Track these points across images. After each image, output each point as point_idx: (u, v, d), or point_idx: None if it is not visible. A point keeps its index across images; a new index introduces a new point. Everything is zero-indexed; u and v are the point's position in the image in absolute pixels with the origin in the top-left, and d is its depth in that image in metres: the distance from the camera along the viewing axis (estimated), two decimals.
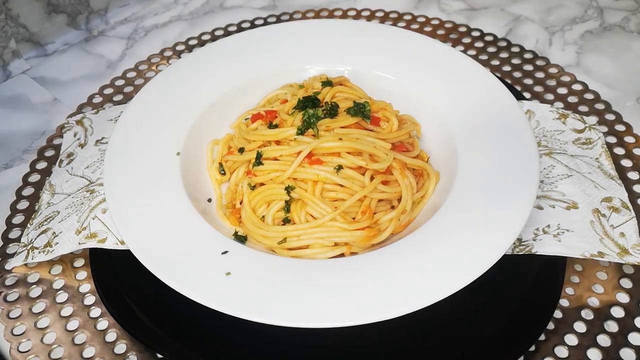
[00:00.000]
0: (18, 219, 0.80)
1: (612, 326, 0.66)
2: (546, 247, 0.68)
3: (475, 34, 1.06)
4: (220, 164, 0.78)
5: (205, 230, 0.66)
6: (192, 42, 1.08)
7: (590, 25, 1.08)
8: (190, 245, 0.64)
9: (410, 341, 0.63)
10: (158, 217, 0.67)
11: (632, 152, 0.84)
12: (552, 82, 0.96)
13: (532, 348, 0.64)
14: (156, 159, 0.73)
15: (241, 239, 0.71)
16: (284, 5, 1.16)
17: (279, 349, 0.63)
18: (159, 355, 0.65)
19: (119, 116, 0.82)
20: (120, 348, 0.66)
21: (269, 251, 0.69)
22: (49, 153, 0.89)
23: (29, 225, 0.76)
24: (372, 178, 0.70)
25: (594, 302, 0.68)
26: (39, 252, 0.72)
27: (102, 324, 0.68)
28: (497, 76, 0.81)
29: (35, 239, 0.74)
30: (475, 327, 0.64)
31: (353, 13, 1.12)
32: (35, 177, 0.85)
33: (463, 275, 0.59)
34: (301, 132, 0.71)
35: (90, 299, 0.71)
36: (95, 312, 0.69)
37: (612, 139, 0.86)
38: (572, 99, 0.92)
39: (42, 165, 0.87)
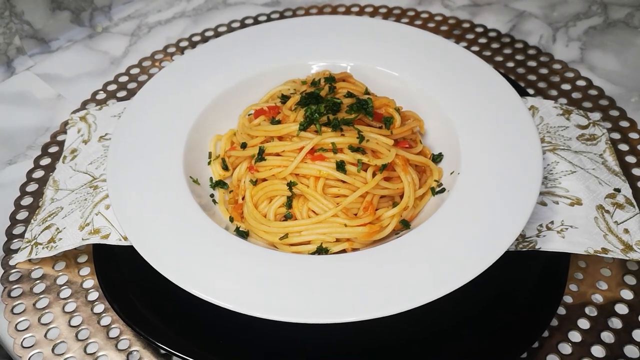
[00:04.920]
0: (22, 215, 0.80)
1: (616, 323, 0.66)
2: (550, 243, 0.68)
3: (479, 30, 1.06)
4: (223, 160, 0.78)
5: (207, 226, 0.66)
6: (196, 38, 1.08)
7: (594, 21, 1.08)
8: (192, 241, 0.64)
9: (412, 337, 0.63)
10: (161, 213, 0.67)
11: (636, 148, 0.83)
12: (556, 78, 0.95)
13: (536, 345, 0.64)
14: (159, 155, 0.73)
15: (243, 234, 0.71)
16: (287, 1, 1.16)
17: (280, 344, 0.63)
18: (162, 351, 0.65)
19: (122, 112, 0.82)
20: (124, 343, 0.67)
21: (271, 247, 0.69)
22: (53, 149, 0.89)
23: (32, 221, 0.77)
24: (374, 174, 0.70)
25: (597, 298, 0.68)
26: (43, 248, 0.72)
27: (106, 320, 0.69)
28: (500, 72, 0.81)
29: (39, 234, 0.74)
30: (478, 324, 0.64)
31: (356, 9, 1.12)
32: (39, 173, 0.86)
33: (465, 272, 0.59)
34: (304, 128, 0.71)
35: (93, 295, 0.71)
36: (99, 307, 0.70)
37: (616, 135, 0.85)
38: (576, 95, 0.92)
39: (46, 161, 0.87)
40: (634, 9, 1.09)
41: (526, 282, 0.67)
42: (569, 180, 0.74)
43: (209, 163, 0.79)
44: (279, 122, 0.76)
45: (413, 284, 0.59)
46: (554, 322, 0.66)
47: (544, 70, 0.97)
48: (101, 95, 0.97)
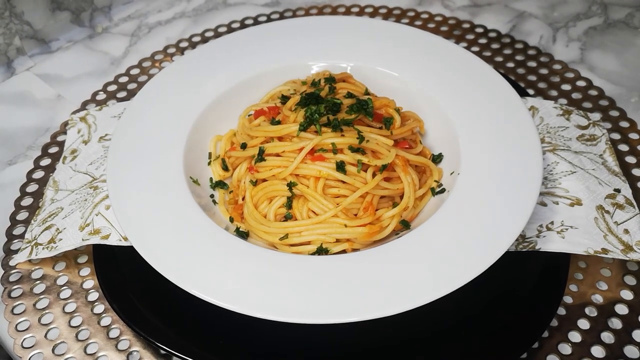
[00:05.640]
0: (22, 215, 0.80)
1: (616, 323, 0.66)
2: (550, 243, 0.68)
3: (479, 30, 1.06)
4: (223, 160, 0.78)
5: (207, 227, 0.66)
6: (196, 39, 1.08)
7: (594, 21, 1.08)
8: (192, 241, 0.64)
9: (413, 337, 0.63)
10: (161, 213, 0.67)
11: (636, 148, 0.83)
12: (556, 79, 0.95)
13: (536, 345, 0.64)
14: (159, 156, 0.73)
15: (243, 235, 0.71)
16: (287, 2, 1.16)
17: (280, 344, 0.63)
18: (162, 351, 0.65)
19: (122, 113, 0.82)
20: (124, 344, 0.67)
21: (271, 247, 0.69)
22: (53, 150, 0.89)
23: (32, 221, 0.77)
24: (374, 174, 0.70)
25: (597, 299, 0.68)
26: (43, 249, 0.72)
27: (106, 320, 0.69)
28: (500, 73, 0.81)
29: (39, 235, 0.74)
30: (478, 324, 0.64)
31: (356, 10, 1.12)
32: (39, 174, 0.86)
33: (465, 272, 0.59)
34: (303, 128, 0.71)
35: (93, 295, 0.71)
36: (99, 308, 0.70)
37: (616, 136, 0.85)
38: (576, 96, 0.92)
39: (46, 161, 0.87)
40: (634, 9, 1.09)
41: (526, 282, 0.67)
42: (569, 181, 0.74)
43: (209, 163, 0.79)
44: (279, 122, 0.76)
45: (413, 284, 0.59)
46: (554, 323, 0.66)
47: (544, 71, 0.97)
48: (101, 96, 0.97)
